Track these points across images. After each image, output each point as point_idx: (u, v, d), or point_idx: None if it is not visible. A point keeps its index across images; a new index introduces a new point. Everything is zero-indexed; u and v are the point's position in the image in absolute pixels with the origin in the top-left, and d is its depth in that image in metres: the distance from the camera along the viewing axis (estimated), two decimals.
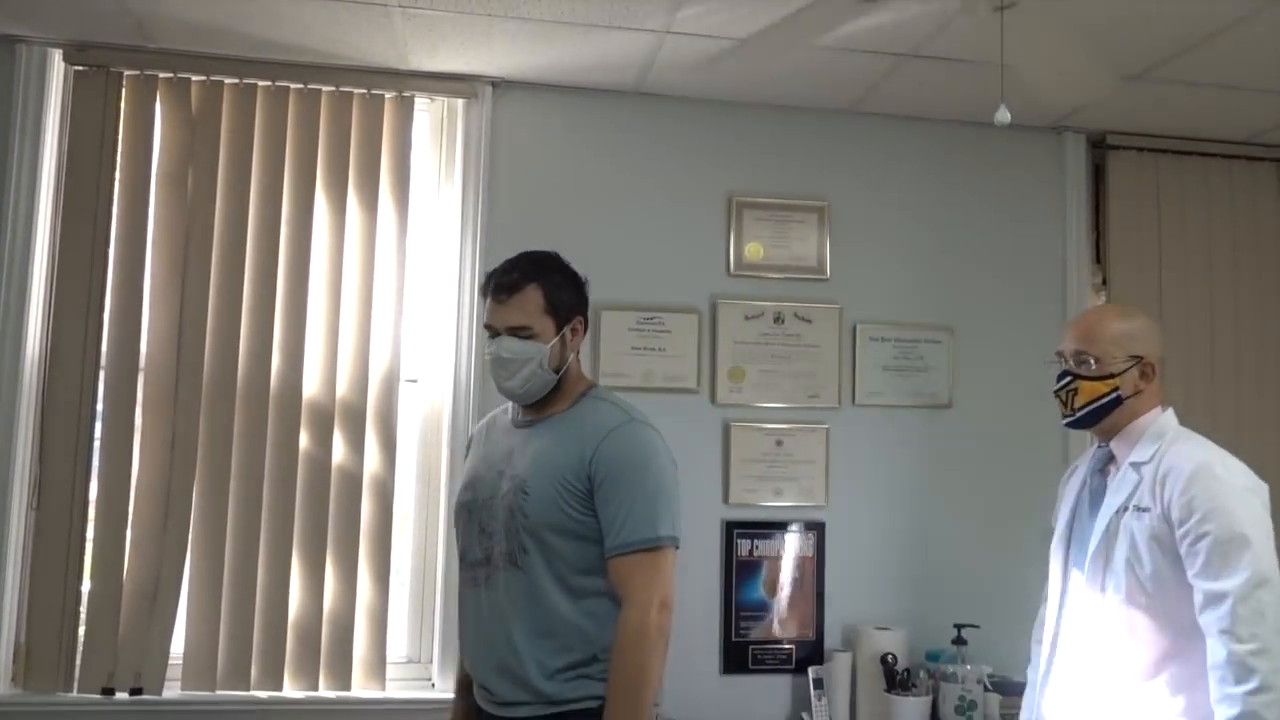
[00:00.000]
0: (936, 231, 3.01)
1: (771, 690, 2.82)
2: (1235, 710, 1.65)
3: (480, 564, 1.85)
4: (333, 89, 2.72)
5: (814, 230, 2.94)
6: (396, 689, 2.68)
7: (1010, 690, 2.64)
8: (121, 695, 2.54)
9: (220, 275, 2.67)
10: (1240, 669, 1.65)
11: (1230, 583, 1.68)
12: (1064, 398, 1.94)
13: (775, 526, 2.86)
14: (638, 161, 2.88)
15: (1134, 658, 1.79)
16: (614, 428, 1.81)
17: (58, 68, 2.63)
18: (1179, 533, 1.75)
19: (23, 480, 2.58)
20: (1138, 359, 1.89)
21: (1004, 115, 1.91)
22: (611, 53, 2.60)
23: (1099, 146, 3.08)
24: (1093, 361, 1.89)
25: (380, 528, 2.69)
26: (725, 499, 2.84)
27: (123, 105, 2.64)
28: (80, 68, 2.63)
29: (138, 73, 2.65)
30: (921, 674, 2.68)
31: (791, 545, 2.85)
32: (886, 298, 2.97)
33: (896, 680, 2.64)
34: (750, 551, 2.84)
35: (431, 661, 2.73)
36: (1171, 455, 1.82)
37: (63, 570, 2.56)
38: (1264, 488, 1.81)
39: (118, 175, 2.64)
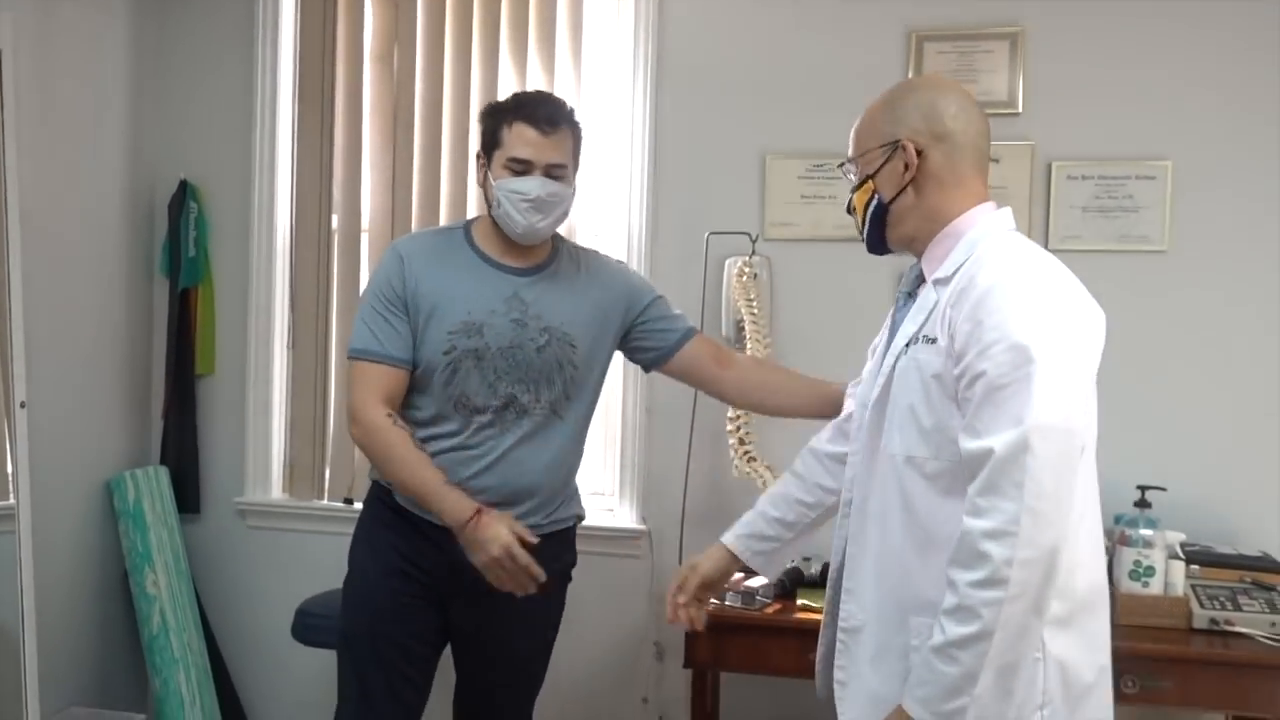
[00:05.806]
0: (1149, 50, 2.61)
1: None
2: (952, 600, 1.27)
3: (499, 410, 1.85)
4: None
5: (1005, 61, 2.69)
6: None
7: (1205, 561, 2.37)
8: (358, 505, 2.99)
9: (423, 141, 2.96)
10: (970, 552, 1.26)
11: (994, 440, 1.26)
12: (856, 221, 1.54)
13: None
14: (807, 2, 2.78)
15: (918, 529, 1.39)
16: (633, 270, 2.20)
17: None
18: (956, 370, 1.33)
19: (282, 326, 3.10)
20: (891, 145, 1.42)
21: None
22: None
23: None
24: (852, 167, 1.50)
25: None
26: None
27: None
28: None
29: None
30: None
31: None
32: (1089, 130, 2.65)
33: None
34: None
35: (614, 494, 2.95)
36: (974, 266, 1.36)
37: (313, 400, 3.06)
38: (1093, 318, 1.35)
39: (339, 61, 3.00)
